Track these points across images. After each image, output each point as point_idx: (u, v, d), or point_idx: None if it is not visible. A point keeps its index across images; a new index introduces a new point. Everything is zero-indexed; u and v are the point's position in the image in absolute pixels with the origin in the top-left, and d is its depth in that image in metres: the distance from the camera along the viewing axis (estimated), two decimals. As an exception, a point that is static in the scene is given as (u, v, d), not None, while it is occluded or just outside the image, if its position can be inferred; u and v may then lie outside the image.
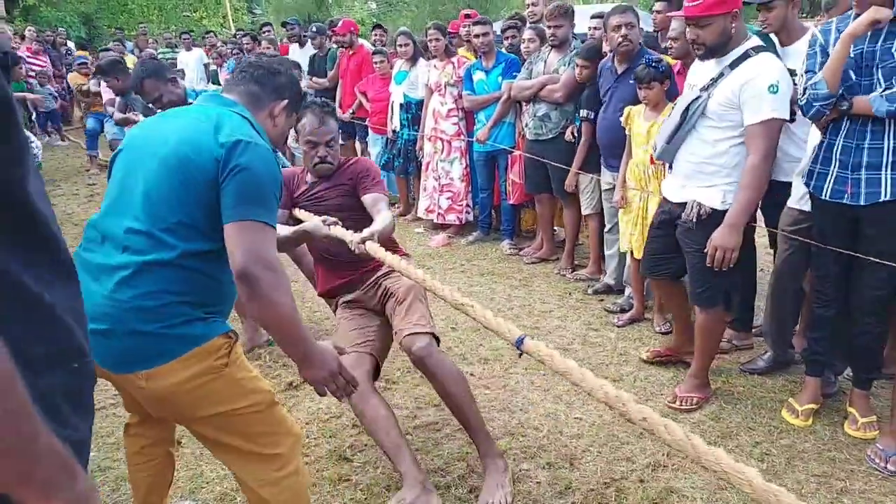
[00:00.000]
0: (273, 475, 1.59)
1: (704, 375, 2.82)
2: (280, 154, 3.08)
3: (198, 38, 11.04)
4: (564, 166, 4.15)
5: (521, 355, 1.60)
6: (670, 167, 2.81)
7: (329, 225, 2.19)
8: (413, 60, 5.47)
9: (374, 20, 25.57)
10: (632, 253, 3.58)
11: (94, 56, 10.17)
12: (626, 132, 3.50)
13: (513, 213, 4.98)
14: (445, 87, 5.03)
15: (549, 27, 4.29)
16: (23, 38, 10.37)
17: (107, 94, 6.11)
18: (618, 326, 3.60)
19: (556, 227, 4.84)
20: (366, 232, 2.09)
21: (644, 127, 3.36)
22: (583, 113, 4.02)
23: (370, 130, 6.09)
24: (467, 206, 5.28)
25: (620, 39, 3.57)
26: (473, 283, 4.30)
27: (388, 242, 2.25)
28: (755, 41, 2.52)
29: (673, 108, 2.82)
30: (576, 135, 4.16)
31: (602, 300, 3.99)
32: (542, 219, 4.69)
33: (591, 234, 4.30)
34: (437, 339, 2.24)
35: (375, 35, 6.66)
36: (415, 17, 20.04)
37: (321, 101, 2.52)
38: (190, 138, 1.50)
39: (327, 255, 2.44)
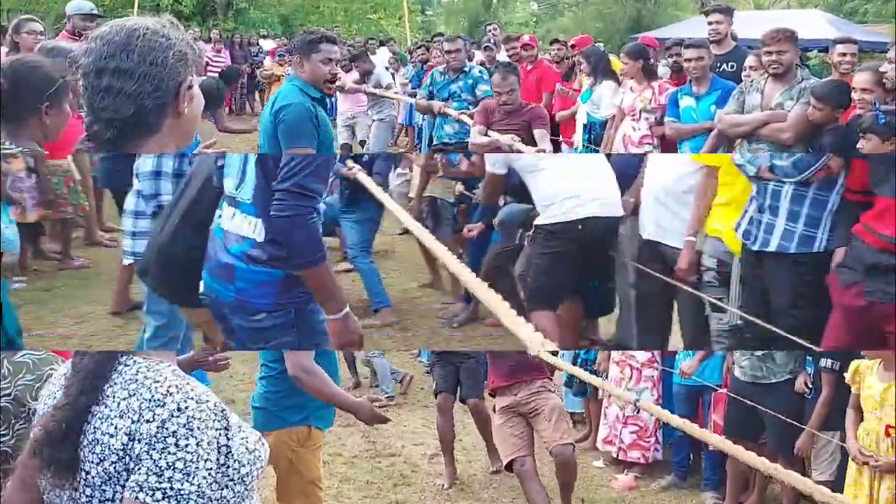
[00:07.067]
0: None
1: None
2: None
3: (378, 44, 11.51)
4: (795, 423, 3.18)
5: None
6: None
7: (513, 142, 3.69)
8: (594, 78, 5.10)
9: (535, 21, 24.94)
10: None
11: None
12: (854, 390, 2.74)
13: (718, 460, 3.87)
14: (641, 112, 4.54)
15: (769, 52, 3.57)
16: (208, 40, 11.68)
17: (351, 76, 7.15)
18: None
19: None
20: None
21: (878, 389, 2.57)
22: (825, 363, 3.09)
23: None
24: (657, 442, 4.24)
25: None
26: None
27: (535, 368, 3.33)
28: None
29: None
30: (809, 386, 3.29)
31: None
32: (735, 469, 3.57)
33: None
34: (574, 447, 3.26)
35: (554, 50, 6.60)
36: (576, 19, 19.22)
37: (506, 63, 3.93)
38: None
39: (510, 362, 3.33)
